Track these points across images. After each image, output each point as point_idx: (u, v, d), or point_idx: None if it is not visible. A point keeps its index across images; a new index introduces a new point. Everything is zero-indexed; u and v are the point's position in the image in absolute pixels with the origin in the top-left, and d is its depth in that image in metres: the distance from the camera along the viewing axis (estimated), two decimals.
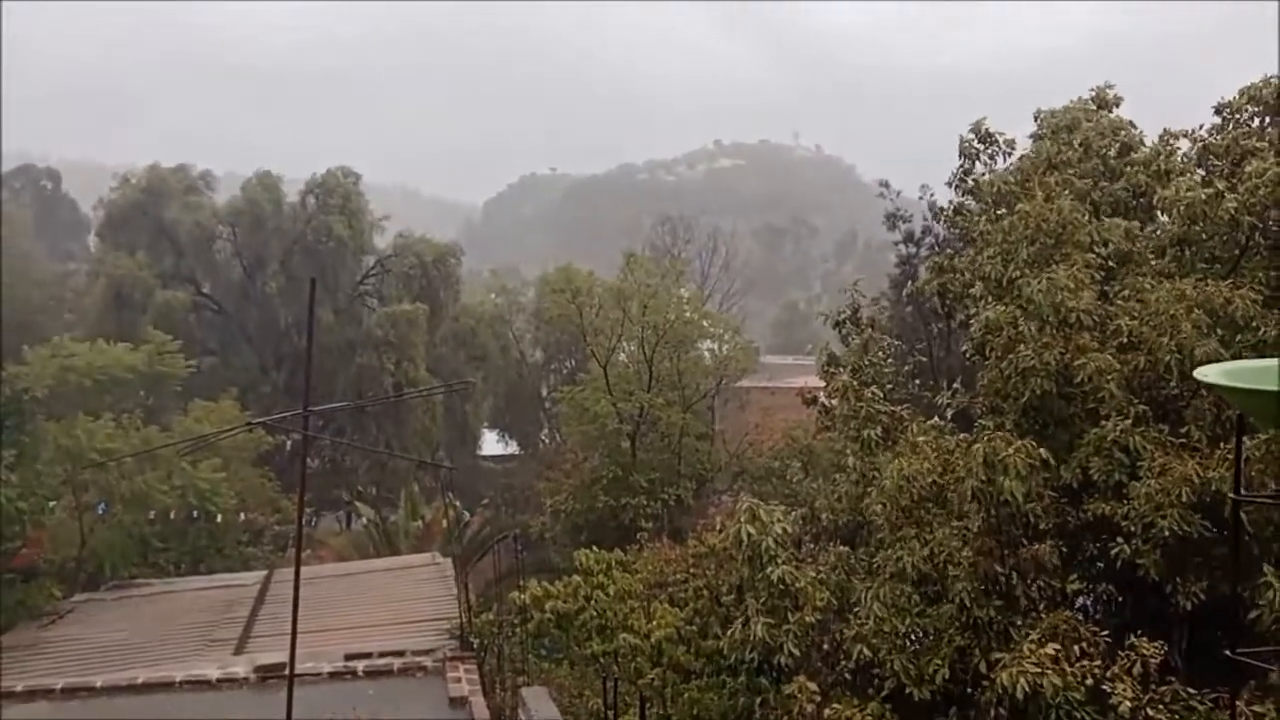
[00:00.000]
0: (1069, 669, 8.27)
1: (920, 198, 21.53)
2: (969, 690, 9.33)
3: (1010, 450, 9.12)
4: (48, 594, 15.68)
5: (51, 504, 16.85)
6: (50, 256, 51.54)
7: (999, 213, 12.53)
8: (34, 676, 11.58)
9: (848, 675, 10.08)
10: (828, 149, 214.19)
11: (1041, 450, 9.36)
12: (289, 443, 27.77)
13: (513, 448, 43.62)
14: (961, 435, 10.70)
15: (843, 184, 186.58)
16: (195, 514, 19.18)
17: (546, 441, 40.96)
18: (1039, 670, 8.21)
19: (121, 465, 18.04)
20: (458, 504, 26.33)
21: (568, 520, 24.36)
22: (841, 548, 11.61)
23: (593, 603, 13.51)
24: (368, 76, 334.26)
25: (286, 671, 10.15)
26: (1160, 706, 7.93)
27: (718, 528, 12.80)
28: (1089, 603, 10.41)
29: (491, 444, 44.26)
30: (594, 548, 15.50)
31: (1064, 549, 9.81)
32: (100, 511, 18.60)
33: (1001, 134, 14.18)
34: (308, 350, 8.85)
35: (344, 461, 35.40)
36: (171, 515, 18.80)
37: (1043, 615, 9.13)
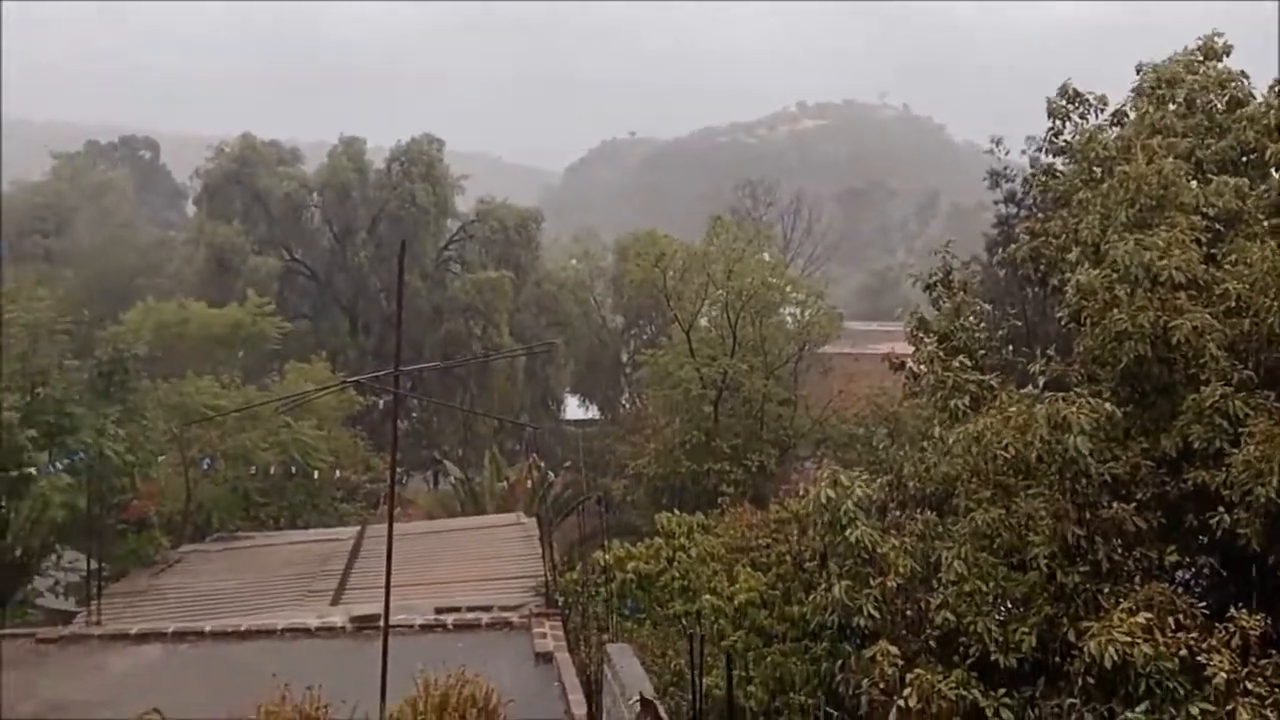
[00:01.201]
0: (1162, 639, 8.08)
1: (1024, 152, 20.83)
2: (1057, 659, 9.20)
3: (1072, 408, 8.91)
4: (157, 544, 16.57)
5: (160, 458, 17.75)
6: (150, 224, 53.69)
7: (1096, 174, 12.08)
8: (147, 620, 12.30)
9: (931, 642, 10.01)
10: (917, 109, 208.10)
11: (1108, 406, 9.11)
12: (380, 404, 28.63)
13: (593, 412, 44.06)
14: None
15: (930, 145, 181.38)
16: (293, 470, 19.99)
17: (627, 406, 41.26)
18: (1130, 639, 8.05)
19: (224, 423, 18.88)
20: (542, 464, 26.80)
21: (649, 484, 24.59)
22: (928, 514, 11.48)
23: (675, 565, 13.69)
24: (447, 44, 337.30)
25: (381, 622, 10.57)
26: (1260, 680, 7.70)
27: (800, 493, 12.79)
28: (1189, 577, 10.08)
29: (573, 408, 44.75)
30: (675, 511, 15.66)
31: (1162, 520, 9.53)
32: (205, 466, 19.54)
33: (1091, 92, 13.63)
34: (398, 311, 9.09)
35: (432, 424, 36.34)
36: (271, 471, 19.63)
37: (1137, 586, 8.91)
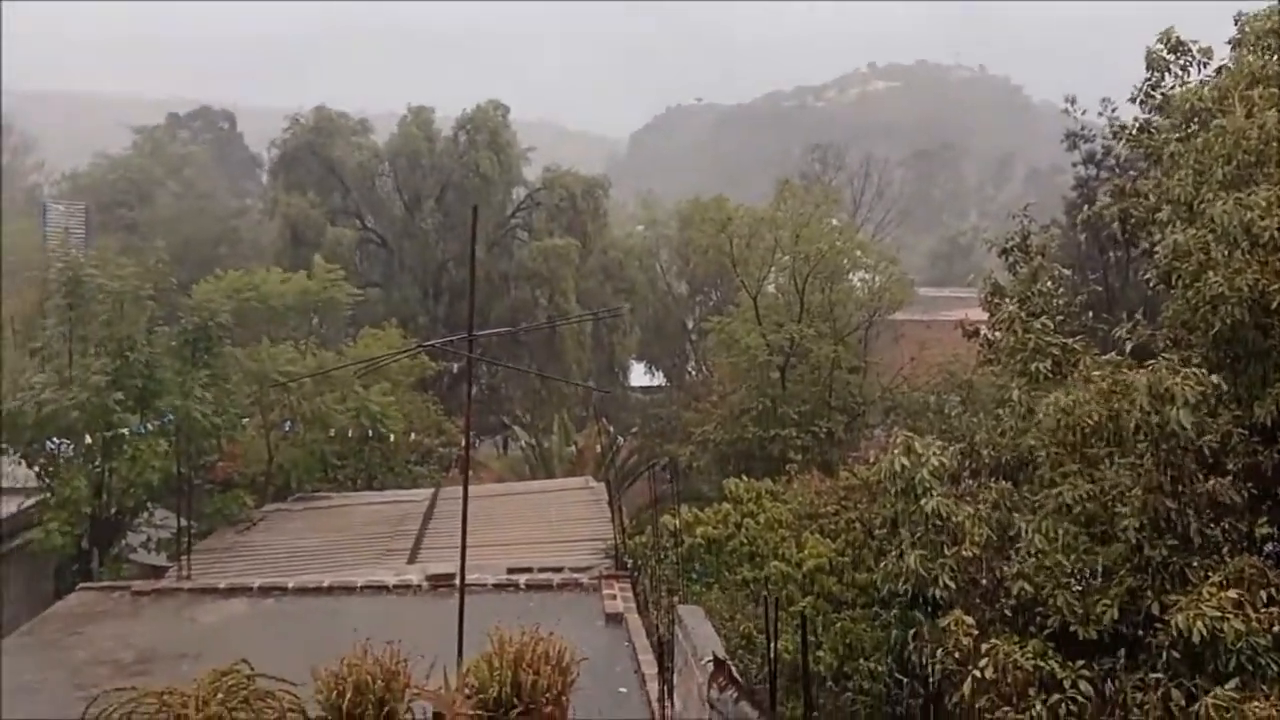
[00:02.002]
0: (1254, 614, 7.83)
1: (1100, 114, 20.05)
2: (1139, 632, 8.98)
3: (1177, 379, 8.57)
4: (241, 503, 17.18)
5: (245, 420, 18.35)
6: (228, 195, 55.13)
7: (1192, 130, 11.54)
8: (233, 575, 12.79)
9: (1007, 612, 9.86)
10: (993, 69, 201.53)
11: (1214, 378, 8.75)
12: (453, 368, 29.12)
13: (659, 379, 44.15)
14: (1139, 370, 10.11)
15: (1007, 106, 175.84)
16: (369, 434, 20.49)
17: (693, 373, 41.23)
18: (1219, 614, 7.81)
19: (302, 387, 19.41)
20: (611, 429, 26.99)
21: (715, 450, 24.58)
22: (1003, 484, 11.27)
23: (743, 530, 13.70)
24: (511, 11, 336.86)
25: (455, 580, 10.82)
26: None
27: (870, 460, 12.66)
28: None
29: (639, 375, 44.91)
30: (742, 477, 15.65)
31: (1253, 490, 9.19)
32: (287, 429, 20.15)
33: (1195, 42, 12.97)
34: (470, 276, 9.19)
35: (500, 390, 36.85)
36: (350, 434, 20.16)
37: (1226, 559, 8.63)
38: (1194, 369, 8.74)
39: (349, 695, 7.18)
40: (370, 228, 38.94)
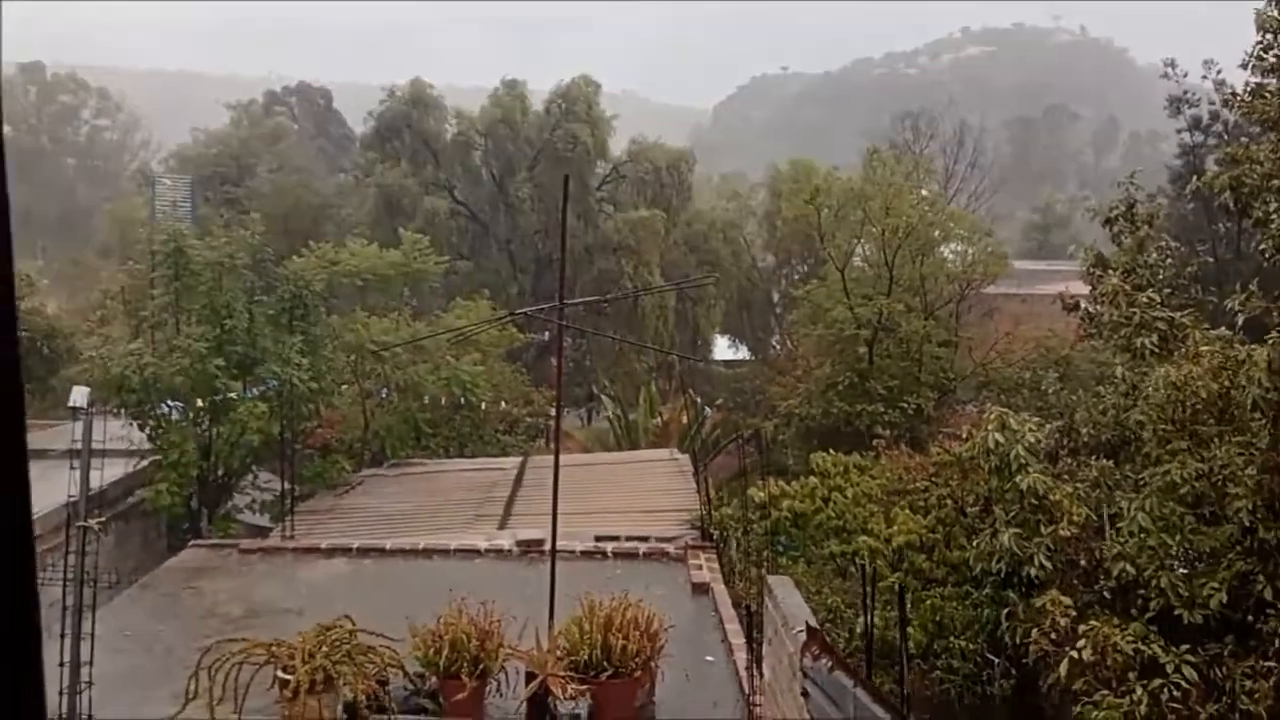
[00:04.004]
0: None
1: (1204, 77, 19.04)
2: (1249, 618, 8.63)
3: None
4: (339, 468, 17.79)
5: (342, 387, 18.94)
6: (324, 169, 56.57)
7: None
8: (333, 536, 13.27)
9: (1106, 594, 9.58)
10: (1095, 30, 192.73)
11: None
12: (541, 340, 29.43)
13: (743, 353, 43.91)
14: (1252, 345, 9.63)
15: (1110, 70, 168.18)
16: (460, 402, 20.94)
17: (777, 347, 40.89)
18: None
19: (396, 356, 19.93)
20: (698, 399, 26.98)
21: (800, 424, 24.38)
22: (1104, 462, 10.91)
23: (830, 504, 13.61)
24: None
25: (545, 546, 11.03)
26: None
27: (964, 437, 12.39)
28: None
29: (722, 349, 44.77)
30: (829, 452, 15.51)
31: None
32: (383, 395, 20.74)
33: None
34: (562, 243, 9.27)
35: (584, 363, 37.17)
36: (442, 402, 20.65)
37: None
38: None
39: (445, 652, 7.44)
40: (461, 200, 39.53)
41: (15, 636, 0.69)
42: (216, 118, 56.96)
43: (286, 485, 14.40)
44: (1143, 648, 8.47)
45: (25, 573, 0.71)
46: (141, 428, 15.86)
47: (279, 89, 72.00)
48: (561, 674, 7.34)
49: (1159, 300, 10.88)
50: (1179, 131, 22.83)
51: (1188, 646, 8.43)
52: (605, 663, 7.46)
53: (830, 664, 4.28)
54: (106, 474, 15.03)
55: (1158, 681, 8.18)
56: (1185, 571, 9.04)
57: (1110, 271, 11.87)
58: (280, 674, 7.02)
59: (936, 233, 25.70)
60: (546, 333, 30.16)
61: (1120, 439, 11.32)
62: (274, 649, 7.18)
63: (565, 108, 38.48)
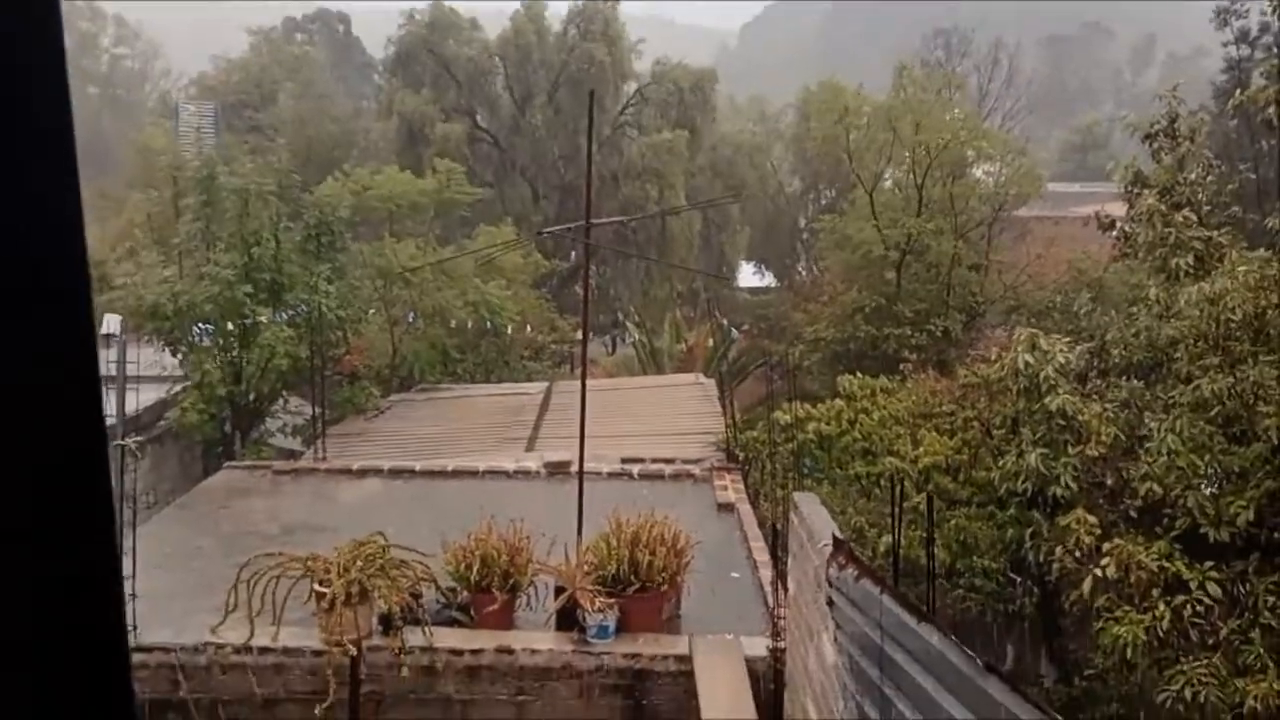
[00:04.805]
0: None
1: None
2: (1275, 535, 8.62)
3: None
4: (368, 394, 17.99)
5: (371, 311, 19.05)
6: (345, 96, 56.04)
7: None
8: (365, 459, 13.51)
9: (1132, 513, 9.60)
10: None
11: None
12: (564, 268, 29.34)
13: (769, 280, 43.61)
14: None
15: None
16: (487, 327, 21.05)
17: (803, 274, 40.55)
18: None
19: (423, 282, 19.98)
20: (725, 321, 26.91)
21: (826, 349, 24.30)
22: (1134, 383, 10.82)
23: (856, 426, 13.63)
24: None
25: (571, 468, 11.17)
26: None
27: (992, 359, 12.31)
28: None
29: (747, 276, 44.48)
30: (855, 375, 15.46)
31: None
32: (411, 321, 20.87)
33: None
34: (587, 161, 9.14)
35: (609, 291, 37.11)
36: (469, 326, 20.76)
37: None
38: None
39: (477, 567, 7.62)
40: (482, 126, 39.09)
41: (98, 564, 0.71)
42: (236, 45, 56.35)
43: (317, 409, 14.61)
44: (1167, 565, 8.51)
45: (104, 500, 0.71)
46: (174, 353, 16.09)
47: (298, 16, 70.98)
48: (590, 588, 7.49)
49: (1196, 220, 10.63)
50: (1225, 45, 22.00)
51: (1212, 564, 8.46)
52: (632, 577, 7.61)
53: (856, 574, 4.32)
54: (141, 399, 15.37)
55: (1181, 598, 8.24)
56: (1213, 491, 9.02)
57: (1148, 190, 11.59)
58: (317, 587, 7.21)
59: (969, 153, 25.13)
60: (573, 254, 30.04)
61: (1152, 360, 11.20)
62: (310, 564, 7.37)
63: (583, 28, 37.65)
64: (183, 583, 8.61)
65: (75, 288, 0.68)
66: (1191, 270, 10.27)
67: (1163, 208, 10.88)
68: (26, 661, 0.68)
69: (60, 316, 0.67)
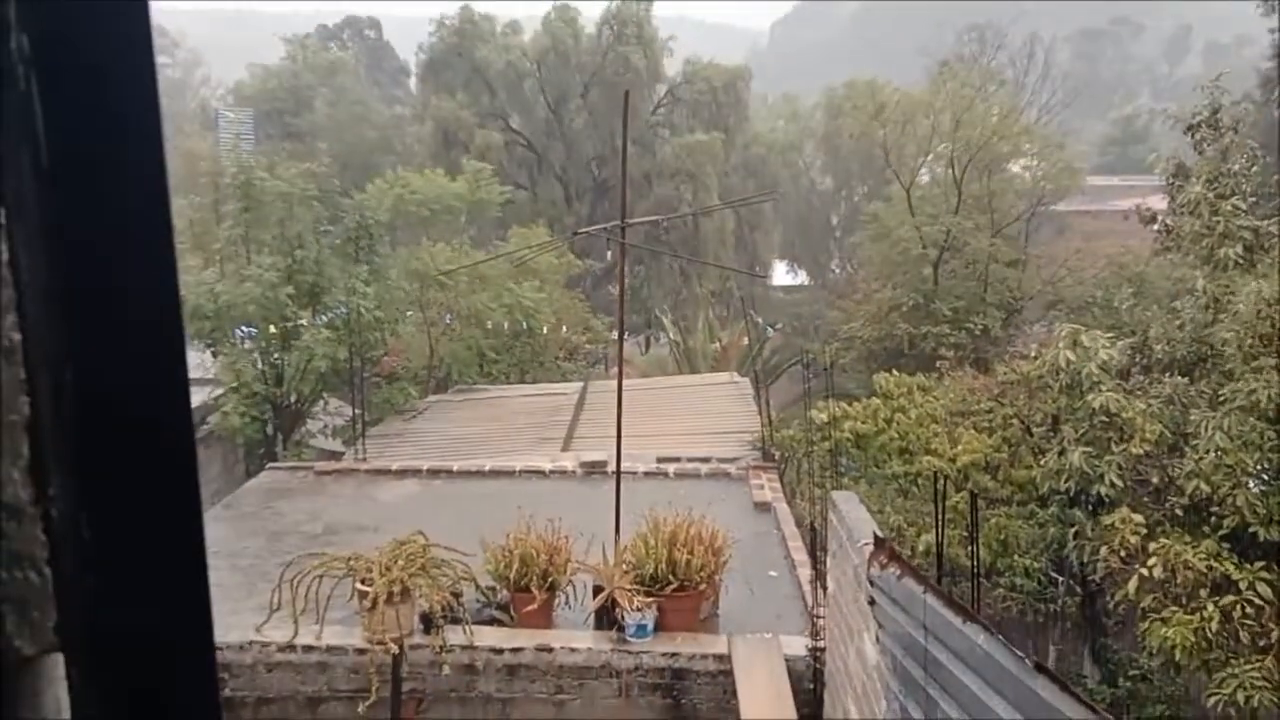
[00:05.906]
0: None
1: None
2: None
3: None
4: (406, 394, 18.18)
5: (409, 313, 19.23)
6: (379, 101, 56.54)
7: None
8: (404, 459, 13.63)
9: (1178, 512, 9.42)
10: None
11: None
12: (598, 268, 29.38)
13: (802, 278, 43.42)
14: None
15: None
16: (523, 328, 21.17)
17: (837, 271, 40.33)
18: None
19: (459, 285, 20.13)
20: (760, 320, 26.82)
21: (862, 347, 24.14)
22: (1178, 379, 10.62)
23: (893, 425, 13.52)
24: None
25: (608, 467, 11.20)
26: None
27: (1032, 355, 12.16)
28: None
29: (781, 275, 44.32)
30: (892, 373, 15.35)
31: None
32: (447, 323, 21.04)
33: None
34: (623, 161, 9.12)
35: (642, 290, 37.13)
36: (505, 327, 20.88)
37: None
38: None
39: (516, 566, 7.67)
40: (515, 129, 39.29)
41: (186, 556, 0.73)
42: (272, 53, 57.09)
43: (356, 410, 14.77)
44: (1215, 565, 8.35)
45: (191, 494, 0.73)
46: (215, 355, 16.34)
47: (330, 24, 71.81)
48: (628, 587, 7.51)
49: (1244, 209, 10.42)
50: (1271, 32, 21.55)
51: (1262, 564, 8.29)
52: (670, 576, 7.61)
53: (899, 573, 4.29)
54: None
55: (1230, 598, 8.08)
56: (1263, 489, 8.83)
57: (1192, 180, 11.38)
58: (359, 586, 7.30)
59: (1007, 147, 24.83)
60: (608, 254, 30.07)
61: (1196, 355, 10.99)
62: (352, 563, 7.46)
63: (617, 30, 37.71)
64: (228, 582, 8.75)
65: (170, 303, 0.70)
66: (1241, 260, 10.07)
67: (1210, 196, 10.67)
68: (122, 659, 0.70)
69: (155, 333, 0.69)
